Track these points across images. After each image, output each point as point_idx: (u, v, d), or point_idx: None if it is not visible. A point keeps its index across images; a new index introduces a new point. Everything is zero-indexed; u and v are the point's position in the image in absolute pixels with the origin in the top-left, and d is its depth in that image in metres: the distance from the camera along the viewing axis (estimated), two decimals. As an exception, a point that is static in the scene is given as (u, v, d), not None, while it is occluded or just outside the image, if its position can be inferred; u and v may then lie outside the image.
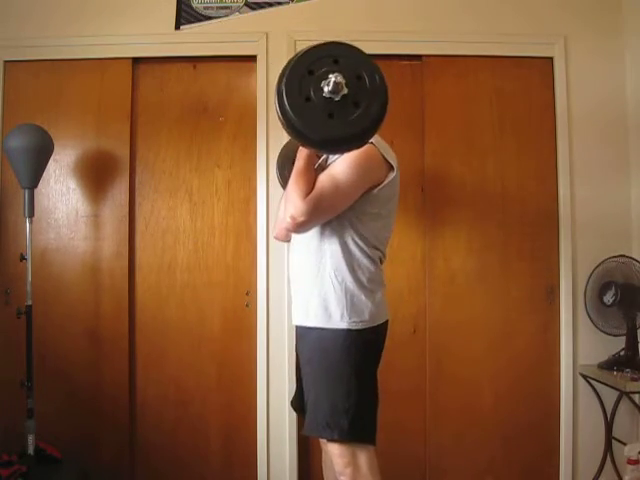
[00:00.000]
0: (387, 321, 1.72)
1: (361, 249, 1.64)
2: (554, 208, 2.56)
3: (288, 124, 1.38)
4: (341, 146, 1.46)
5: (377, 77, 1.40)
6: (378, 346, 1.69)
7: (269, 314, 2.50)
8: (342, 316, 1.60)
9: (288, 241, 1.93)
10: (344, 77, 1.33)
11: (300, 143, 1.49)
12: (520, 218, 2.56)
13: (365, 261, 1.65)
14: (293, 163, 1.66)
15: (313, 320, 1.65)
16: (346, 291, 1.62)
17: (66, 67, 2.56)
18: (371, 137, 1.47)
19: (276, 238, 2.01)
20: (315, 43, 1.41)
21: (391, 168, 1.66)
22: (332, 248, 1.63)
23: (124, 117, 2.55)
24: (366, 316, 1.62)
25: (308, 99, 1.35)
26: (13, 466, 2.14)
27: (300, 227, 1.60)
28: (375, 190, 1.63)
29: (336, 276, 1.62)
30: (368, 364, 1.65)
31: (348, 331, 1.60)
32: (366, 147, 1.59)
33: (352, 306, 1.61)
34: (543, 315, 2.55)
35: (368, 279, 1.65)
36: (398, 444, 2.47)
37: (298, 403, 1.81)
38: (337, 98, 1.34)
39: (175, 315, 2.55)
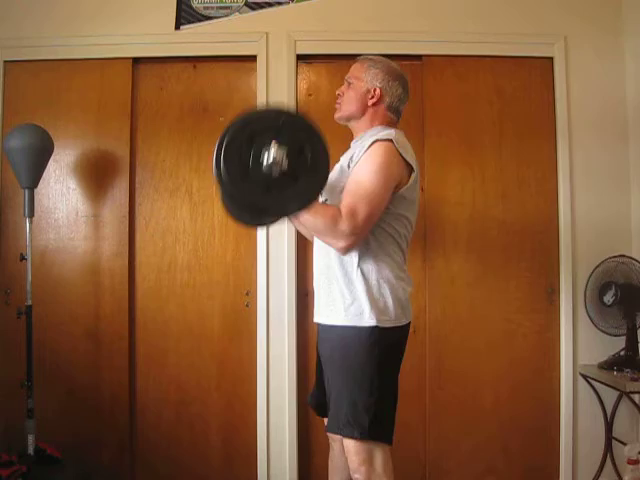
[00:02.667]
0: (409, 323, 1.72)
1: (388, 247, 1.64)
2: (554, 208, 2.56)
3: (224, 190, 1.35)
4: (268, 216, 1.47)
5: (321, 151, 1.37)
6: (400, 347, 1.70)
7: (269, 314, 2.50)
8: (370, 313, 1.60)
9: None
10: (284, 150, 1.30)
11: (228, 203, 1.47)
12: (520, 218, 2.56)
13: (392, 259, 1.65)
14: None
15: (342, 318, 1.63)
16: (373, 289, 1.61)
17: (66, 67, 2.56)
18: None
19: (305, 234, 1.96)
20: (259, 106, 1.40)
21: (411, 169, 1.65)
22: (361, 247, 1.62)
23: (124, 117, 2.55)
24: (391, 314, 1.62)
25: (247, 171, 1.31)
26: (13, 466, 2.13)
27: (352, 246, 1.57)
28: (400, 190, 1.63)
29: (364, 274, 1.62)
30: (390, 364, 1.65)
31: (375, 329, 1.59)
32: (386, 145, 1.59)
33: (378, 303, 1.61)
34: (543, 315, 2.55)
35: (395, 276, 1.65)
36: (398, 444, 2.43)
37: (316, 401, 1.81)
38: (276, 173, 1.31)
39: (175, 315, 2.55)
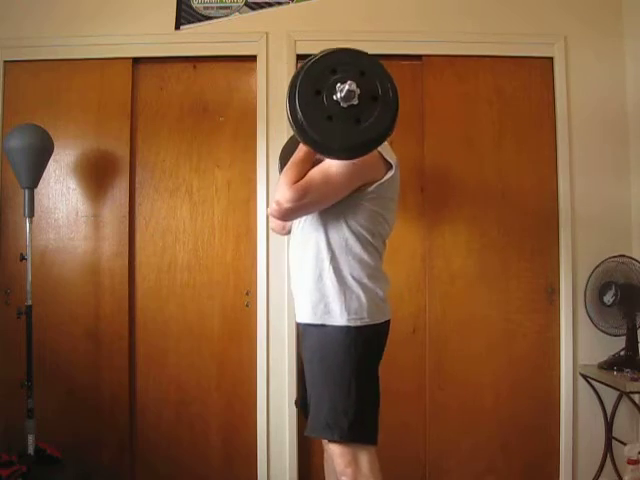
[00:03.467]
0: (389, 321, 1.71)
1: (360, 245, 1.64)
2: (554, 208, 2.56)
3: (294, 121, 1.39)
4: (347, 154, 1.48)
5: (392, 92, 1.42)
6: (379, 346, 1.69)
7: (269, 314, 2.50)
8: (341, 312, 1.60)
9: (285, 234, 1.95)
10: (358, 86, 1.34)
11: (303, 142, 1.50)
12: (520, 218, 2.56)
13: (365, 258, 1.64)
14: None
15: (313, 317, 1.65)
16: (345, 287, 1.62)
17: (66, 67, 2.56)
18: (374, 149, 1.49)
19: (272, 230, 2.05)
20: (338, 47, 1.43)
21: (389, 166, 1.65)
22: (331, 244, 1.64)
23: (124, 117, 2.55)
24: (365, 313, 1.61)
25: (320, 98, 1.37)
26: (13, 466, 2.13)
27: (284, 214, 1.62)
28: (370, 187, 1.63)
29: (335, 272, 1.62)
30: (368, 364, 1.64)
31: (347, 328, 1.59)
32: None
33: (351, 302, 1.61)
34: (543, 315, 2.55)
35: (368, 275, 1.64)
36: (398, 444, 2.47)
37: (302, 402, 1.81)
38: (346, 105, 1.35)
39: (175, 315, 2.55)
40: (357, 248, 1.64)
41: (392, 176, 1.66)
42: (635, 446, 2.25)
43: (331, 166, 1.58)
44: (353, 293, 1.62)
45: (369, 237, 1.66)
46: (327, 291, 1.63)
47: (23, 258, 2.29)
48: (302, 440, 2.47)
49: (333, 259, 1.63)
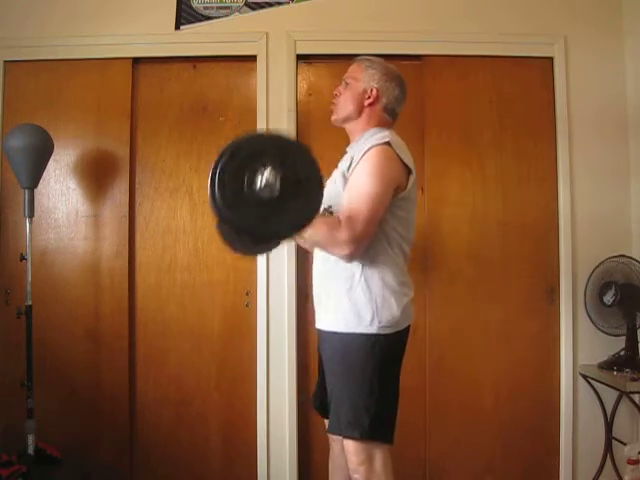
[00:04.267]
0: (410, 325, 1.71)
1: (392, 252, 1.64)
2: (554, 208, 2.56)
3: (214, 206, 1.32)
4: (268, 240, 1.46)
5: (316, 177, 1.36)
6: (401, 348, 1.69)
7: (269, 314, 2.50)
8: (372, 321, 1.59)
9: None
10: (277, 175, 1.28)
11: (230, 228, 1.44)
12: (520, 218, 2.56)
13: (396, 263, 1.64)
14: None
15: (342, 325, 1.63)
16: (376, 295, 1.60)
17: (66, 67, 2.56)
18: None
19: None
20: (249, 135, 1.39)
21: (409, 170, 1.65)
22: (364, 253, 1.60)
23: (124, 117, 2.55)
24: (395, 321, 1.61)
25: (241, 189, 1.29)
26: (13, 466, 2.14)
27: (357, 252, 1.56)
28: (401, 193, 1.62)
29: (366, 280, 1.61)
30: (391, 365, 1.65)
31: (376, 336, 1.59)
32: (383, 149, 1.59)
33: (383, 311, 1.60)
34: (543, 315, 2.55)
35: (399, 282, 1.64)
36: (398, 444, 2.44)
37: (319, 402, 1.81)
38: (272, 195, 1.29)
39: (175, 315, 2.55)
40: (391, 254, 1.63)
41: (413, 180, 1.66)
42: (635, 446, 2.25)
43: (363, 185, 1.56)
44: (385, 301, 1.61)
45: (399, 241, 1.66)
46: (359, 300, 1.60)
47: (23, 258, 2.29)
48: (302, 439, 2.47)
49: (365, 267, 1.61)
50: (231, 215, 1.32)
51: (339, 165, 1.74)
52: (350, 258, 1.59)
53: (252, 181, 1.29)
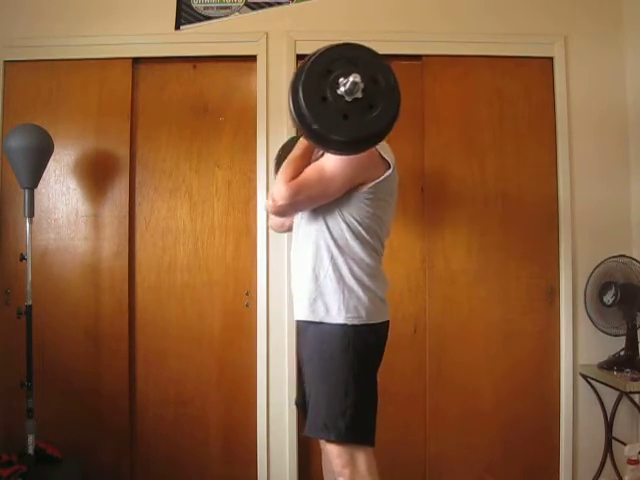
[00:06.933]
0: (387, 322, 1.71)
1: (360, 245, 1.64)
2: (554, 208, 2.56)
3: (303, 122, 1.38)
4: (355, 147, 1.46)
5: (392, 79, 1.41)
6: (378, 347, 1.69)
7: (269, 314, 2.50)
8: (339, 310, 1.60)
9: (284, 231, 1.97)
10: (361, 79, 1.33)
11: (314, 143, 1.48)
12: (520, 218, 2.56)
13: (364, 257, 1.64)
14: None
15: (311, 314, 1.65)
16: (344, 285, 1.62)
17: (66, 67, 2.56)
18: (383, 140, 1.48)
19: (271, 227, 2.07)
20: (330, 44, 1.41)
21: (388, 165, 1.65)
22: (330, 243, 1.64)
23: (124, 117, 2.55)
24: (363, 312, 1.61)
25: (324, 99, 1.35)
26: (13, 466, 2.14)
27: (278, 211, 1.65)
28: (368, 186, 1.62)
29: (334, 270, 1.62)
30: (367, 365, 1.64)
31: (345, 326, 1.59)
32: None
33: (349, 301, 1.61)
34: (543, 315, 2.55)
35: (368, 275, 1.64)
36: (398, 444, 2.47)
37: (301, 402, 1.81)
38: (350, 99, 1.35)
39: (175, 315, 2.55)
40: (356, 247, 1.64)
41: (389, 175, 1.65)
42: (635, 446, 2.25)
43: (326, 164, 1.58)
44: (352, 292, 1.62)
45: (367, 237, 1.65)
46: (325, 289, 1.63)
47: (23, 258, 2.29)
48: (302, 440, 2.47)
49: (333, 258, 1.63)
50: (313, 119, 1.36)
51: None
52: (273, 210, 1.65)
53: (335, 87, 1.35)
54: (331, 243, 1.64)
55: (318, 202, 1.63)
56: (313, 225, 1.67)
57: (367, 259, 1.65)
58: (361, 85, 1.33)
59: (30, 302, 2.29)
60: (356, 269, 1.63)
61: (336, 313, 1.60)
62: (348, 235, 1.63)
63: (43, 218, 2.54)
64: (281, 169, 1.64)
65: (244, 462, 2.53)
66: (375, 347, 1.67)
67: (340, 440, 1.57)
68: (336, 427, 1.56)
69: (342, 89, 1.34)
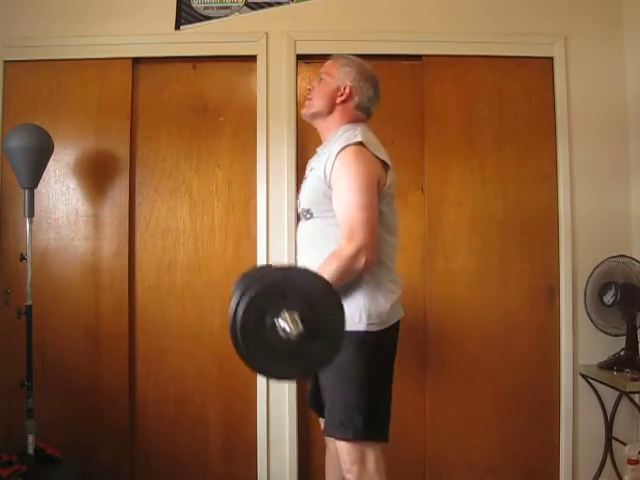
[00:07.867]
0: (399, 320, 1.71)
1: (383, 248, 1.63)
2: (554, 208, 2.55)
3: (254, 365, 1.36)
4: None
5: (328, 295, 1.32)
6: (391, 345, 1.69)
7: (269, 314, 2.49)
8: (360, 319, 1.59)
9: None
10: (297, 313, 1.25)
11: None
12: (520, 218, 2.56)
13: (385, 259, 1.64)
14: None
15: None
16: (365, 292, 1.60)
17: (66, 67, 2.56)
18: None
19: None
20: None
21: (386, 166, 1.65)
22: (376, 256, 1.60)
23: (124, 117, 2.55)
24: (383, 317, 1.61)
25: (273, 347, 1.28)
26: (13, 466, 2.14)
27: (371, 259, 1.55)
28: (383, 188, 1.62)
29: (359, 279, 1.59)
30: (381, 362, 1.65)
31: (365, 333, 1.59)
32: (357, 150, 1.58)
33: (371, 308, 1.60)
34: (543, 315, 2.55)
35: (388, 278, 1.64)
36: (398, 444, 2.44)
37: (314, 402, 1.81)
38: (295, 336, 1.25)
39: (175, 315, 2.55)
40: (379, 251, 1.61)
41: (391, 175, 1.66)
42: (635, 446, 2.25)
43: (349, 194, 1.55)
44: (373, 298, 1.61)
45: (388, 238, 1.65)
46: (348, 298, 1.58)
47: (23, 258, 2.29)
48: (302, 440, 2.47)
49: None
50: (262, 365, 1.36)
51: (312, 165, 1.73)
52: (369, 266, 1.56)
53: (273, 328, 1.27)
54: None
55: (375, 229, 1.56)
56: (335, 236, 1.60)
57: (388, 261, 1.65)
58: (298, 320, 1.24)
59: (30, 302, 2.28)
60: (378, 272, 1.62)
61: (357, 321, 1.58)
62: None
63: (43, 218, 2.54)
64: (336, 272, 1.51)
65: (244, 460, 2.53)
66: (388, 345, 1.68)
67: (356, 437, 1.57)
68: (353, 424, 1.56)
69: (282, 333, 1.26)
